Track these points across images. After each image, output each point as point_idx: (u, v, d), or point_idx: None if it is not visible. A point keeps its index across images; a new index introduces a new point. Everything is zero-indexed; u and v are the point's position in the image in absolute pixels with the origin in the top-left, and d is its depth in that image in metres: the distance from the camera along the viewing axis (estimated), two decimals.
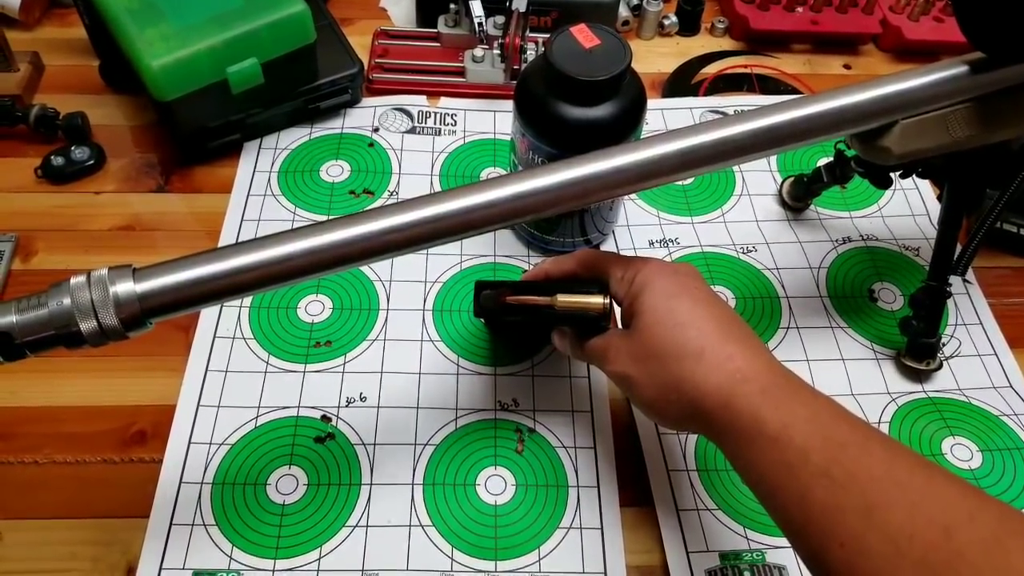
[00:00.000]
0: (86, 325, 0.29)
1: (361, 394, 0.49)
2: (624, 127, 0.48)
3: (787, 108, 0.36)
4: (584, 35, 0.47)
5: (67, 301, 0.29)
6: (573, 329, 0.44)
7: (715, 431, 0.36)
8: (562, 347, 0.45)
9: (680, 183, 0.61)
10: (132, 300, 0.30)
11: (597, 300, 0.41)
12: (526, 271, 0.56)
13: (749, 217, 0.60)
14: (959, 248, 0.48)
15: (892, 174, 0.47)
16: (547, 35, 0.46)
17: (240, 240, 0.56)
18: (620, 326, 0.41)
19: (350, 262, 0.32)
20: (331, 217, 0.56)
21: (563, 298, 0.42)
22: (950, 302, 0.55)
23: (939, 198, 0.48)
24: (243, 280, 0.31)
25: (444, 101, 0.66)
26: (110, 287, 0.30)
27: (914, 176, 0.47)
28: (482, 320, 0.52)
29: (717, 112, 0.66)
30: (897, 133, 0.39)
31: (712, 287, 0.54)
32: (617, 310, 0.42)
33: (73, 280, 0.30)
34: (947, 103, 0.38)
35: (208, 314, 0.52)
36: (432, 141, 0.63)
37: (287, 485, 0.45)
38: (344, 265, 0.32)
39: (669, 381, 0.36)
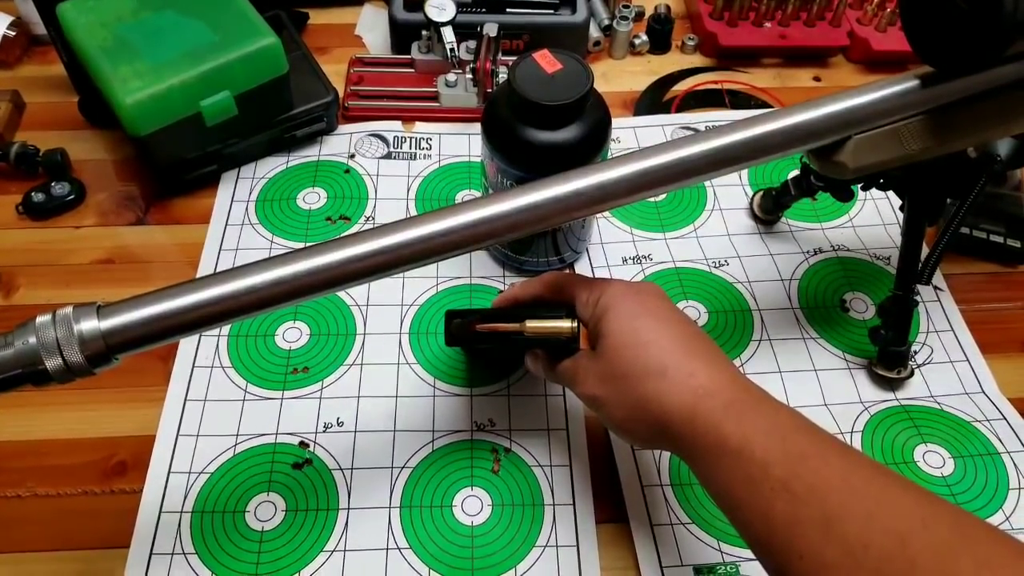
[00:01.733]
0: (52, 363, 0.30)
1: (338, 419, 0.49)
2: (589, 148, 0.49)
3: (740, 128, 0.37)
4: (546, 60, 0.48)
5: (32, 340, 0.30)
6: (545, 352, 0.44)
7: (682, 448, 0.36)
8: (535, 370, 0.46)
9: (652, 199, 0.62)
10: (96, 337, 0.30)
11: (565, 324, 0.42)
12: (501, 292, 0.56)
13: (721, 231, 0.60)
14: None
15: (854, 187, 0.48)
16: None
17: (217, 270, 0.56)
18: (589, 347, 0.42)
19: (311, 292, 0.33)
20: (305, 245, 0.57)
21: (532, 323, 0.42)
22: (921, 309, 0.55)
23: (901, 208, 0.49)
24: (207, 313, 0.32)
25: (419, 126, 0.67)
26: (74, 325, 0.30)
27: (875, 188, 0.48)
28: None
29: (689, 128, 0.67)
30: (851, 148, 0.39)
31: (685, 303, 0.56)
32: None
33: (39, 319, 0.30)
34: (899, 117, 0.39)
35: (187, 343, 0.53)
36: (408, 166, 0.64)
37: (265, 512, 0.46)
38: (306, 295, 0.33)
39: (635, 401, 0.37)
